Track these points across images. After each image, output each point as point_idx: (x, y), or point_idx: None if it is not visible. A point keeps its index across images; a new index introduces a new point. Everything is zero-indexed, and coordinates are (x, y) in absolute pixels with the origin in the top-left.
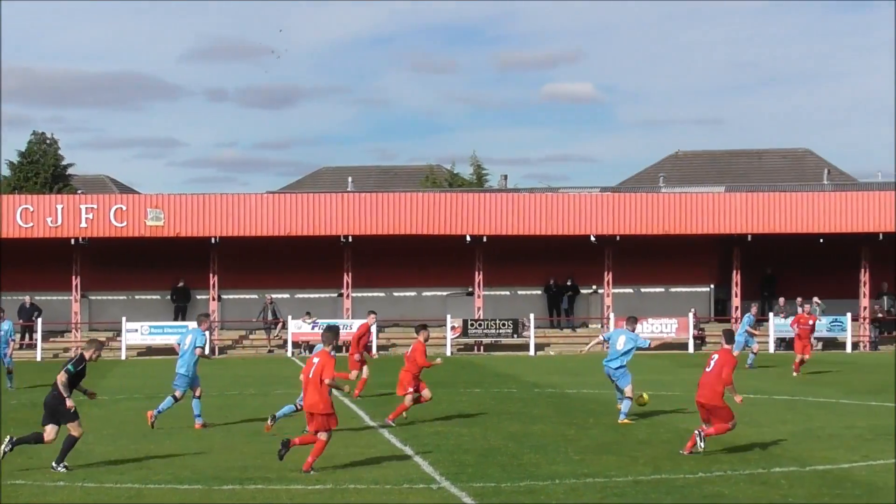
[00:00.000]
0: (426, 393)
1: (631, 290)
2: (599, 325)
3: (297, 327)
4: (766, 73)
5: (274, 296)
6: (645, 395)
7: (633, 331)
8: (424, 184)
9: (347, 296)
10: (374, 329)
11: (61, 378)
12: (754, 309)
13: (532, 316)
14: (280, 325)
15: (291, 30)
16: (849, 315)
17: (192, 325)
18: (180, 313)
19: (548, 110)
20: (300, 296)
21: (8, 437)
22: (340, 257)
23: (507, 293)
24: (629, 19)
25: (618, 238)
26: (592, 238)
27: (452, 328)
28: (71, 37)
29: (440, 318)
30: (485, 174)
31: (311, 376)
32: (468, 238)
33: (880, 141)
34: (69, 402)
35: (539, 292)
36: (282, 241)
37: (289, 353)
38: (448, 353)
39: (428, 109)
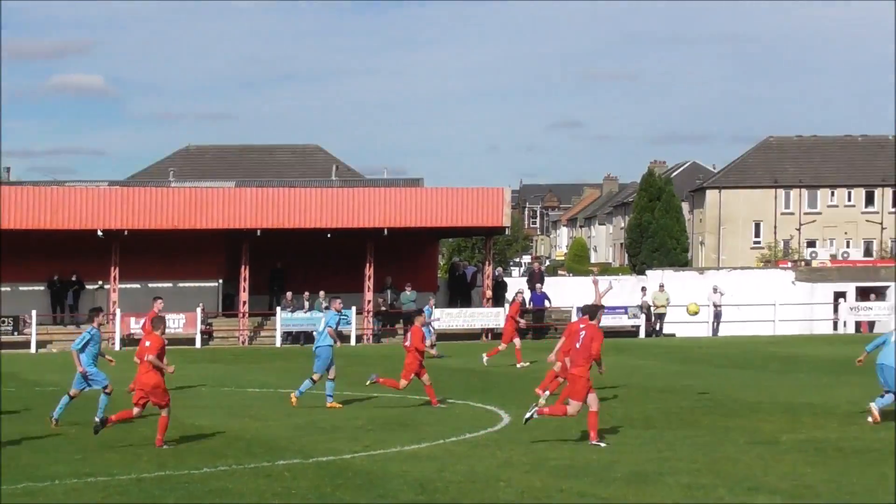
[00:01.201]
0: None
1: (139, 286)
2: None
3: None
4: (278, 70)
5: None
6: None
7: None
8: None
9: None
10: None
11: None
12: (432, 301)
13: (34, 312)
14: None
15: None
16: (353, 308)
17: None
18: None
19: (55, 102)
20: None
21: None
22: None
23: (9, 289)
24: (141, 12)
25: (126, 233)
26: (99, 233)
27: None
28: None
29: None
30: None
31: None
32: None
33: (386, 139)
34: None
35: (43, 288)
36: None
37: None
38: None
39: None
